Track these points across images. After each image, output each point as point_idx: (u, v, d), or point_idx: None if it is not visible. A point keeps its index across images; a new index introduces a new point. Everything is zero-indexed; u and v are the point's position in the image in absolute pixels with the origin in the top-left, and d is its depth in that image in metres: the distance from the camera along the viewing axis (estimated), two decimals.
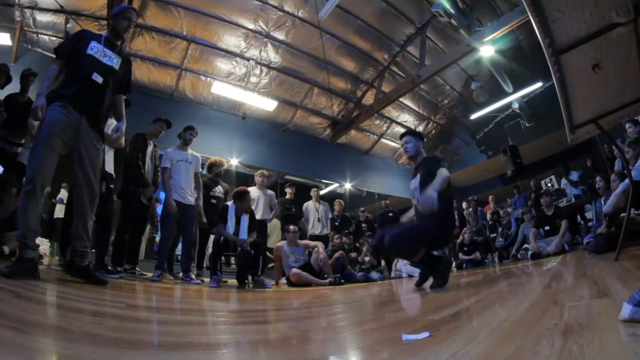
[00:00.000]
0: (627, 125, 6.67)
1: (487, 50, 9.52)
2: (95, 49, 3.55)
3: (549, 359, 0.94)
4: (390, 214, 10.98)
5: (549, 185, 12.07)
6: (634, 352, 0.97)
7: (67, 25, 8.35)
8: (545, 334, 1.20)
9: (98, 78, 3.49)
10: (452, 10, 9.00)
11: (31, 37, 8.46)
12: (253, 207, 7.25)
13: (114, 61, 3.69)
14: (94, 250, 5.37)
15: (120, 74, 3.78)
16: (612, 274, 2.87)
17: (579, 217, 10.08)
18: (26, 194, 3.03)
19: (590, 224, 9.23)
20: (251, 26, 9.86)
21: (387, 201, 12.82)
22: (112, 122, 4.81)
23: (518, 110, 14.03)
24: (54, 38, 8.55)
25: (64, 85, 3.46)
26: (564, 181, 11.15)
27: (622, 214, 4.01)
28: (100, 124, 3.62)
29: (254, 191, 7.74)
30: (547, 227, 8.16)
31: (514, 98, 13.53)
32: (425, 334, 1.46)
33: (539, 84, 12.66)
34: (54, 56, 3.52)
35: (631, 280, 2.27)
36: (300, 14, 9.87)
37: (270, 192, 8.30)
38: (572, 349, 0.99)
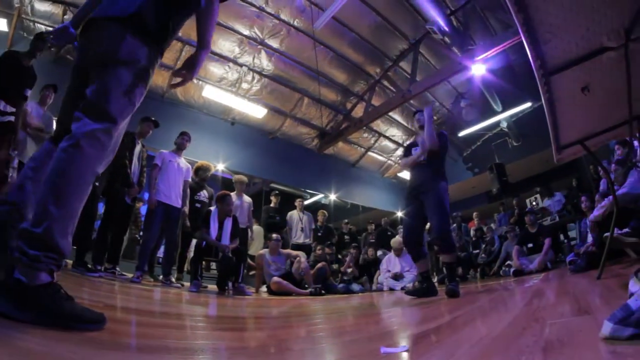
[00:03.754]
0: (615, 147, 6.75)
1: (479, 68, 9.60)
2: None
3: None
4: (389, 233, 11.19)
5: (534, 203, 12.16)
6: None
7: (65, 17, 8.28)
8: (525, 351, 1.20)
9: None
10: (446, 28, 9.08)
11: (28, 25, 8.32)
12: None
13: None
14: (74, 247, 5.31)
15: None
16: (594, 292, 2.89)
17: (562, 236, 10.17)
18: None
19: (573, 242, 9.33)
20: (246, 32, 9.86)
21: (387, 219, 12.85)
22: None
23: (506, 129, 14.12)
24: (50, 28, 8.43)
25: None
26: (547, 201, 11.23)
27: (606, 234, 4.05)
28: None
29: (233, 198, 7.69)
30: (530, 245, 8.23)
31: (502, 117, 13.64)
32: (403, 348, 1.46)
33: (528, 104, 12.77)
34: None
35: (613, 299, 2.29)
36: (295, 24, 9.90)
37: (247, 199, 8.22)
38: None
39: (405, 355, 1.38)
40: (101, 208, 6.36)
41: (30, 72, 4.91)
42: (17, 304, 1.39)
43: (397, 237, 9.75)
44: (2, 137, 4.59)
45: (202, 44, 2.11)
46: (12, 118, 4.68)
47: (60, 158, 1.62)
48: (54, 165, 1.61)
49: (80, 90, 1.83)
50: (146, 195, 6.73)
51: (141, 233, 8.56)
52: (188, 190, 6.76)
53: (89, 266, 5.25)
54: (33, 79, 4.97)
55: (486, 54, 8.93)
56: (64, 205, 1.56)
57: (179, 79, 2.16)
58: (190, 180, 6.85)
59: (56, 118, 2.92)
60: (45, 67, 5.22)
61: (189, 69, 2.16)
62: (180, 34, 9.24)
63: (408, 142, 5.57)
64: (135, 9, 1.83)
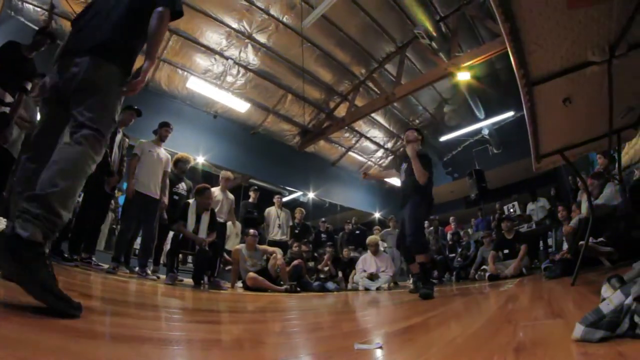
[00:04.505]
0: (597, 157, 6.88)
1: (464, 75, 9.67)
2: None
3: None
4: (357, 232, 11.27)
5: (511, 210, 12.30)
6: None
7: None
8: (498, 351, 1.22)
9: None
10: (434, 34, 9.14)
11: (16, 4, 8.12)
12: (216, 210, 7.18)
13: None
14: None
15: None
16: (567, 297, 2.94)
17: (541, 243, 10.29)
18: None
19: (550, 250, 9.45)
20: (235, 25, 9.80)
21: (355, 218, 12.90)
22: None
23: (487, 137, 14.27)
24: (38, 9, 8.27)
25: None
26: (530, 206, 11.35)
27: (581, 242, 4.13)
28: None
29: (217, 193, 7.66)
30: (506, 251, 8.30)
31: (484, 124, 13.80)
32: (377, 344, 1.48)
33: (510, 113, 12.96)
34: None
35: (585, 304, 2.33)
36: (285, 20, 9.87)
37: (231, 196, 8.20)
38: None
39: (378, 352, 1.39)
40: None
41: (31, 64, 4.85)
42: (10, 255, 1.54)
43: (372, 235, 9.81)
44: None
45: (149, 57, 2.46)
46: (7, 109, 4.62)
47: (65, 148, 2.00)
48: (62, 153, 1.96)
49: (62, 114, 2.22)
50: (125, 185, 6.66)
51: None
52: (167, 181, 6.69)
53: (65, 255, 5.19)
54: (33, 71, 4.90)
55: (472, 61, 9.02)
56: (67, 182, 1.84)
57: (128, 88, 2.43)
58: (169, 171, 6.77)
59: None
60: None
61: (136, 77, 2.44)
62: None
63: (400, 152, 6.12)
64: (109, 41, 2.27)
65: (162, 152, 6.50)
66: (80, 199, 6.17)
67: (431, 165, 5.39)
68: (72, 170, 1.90)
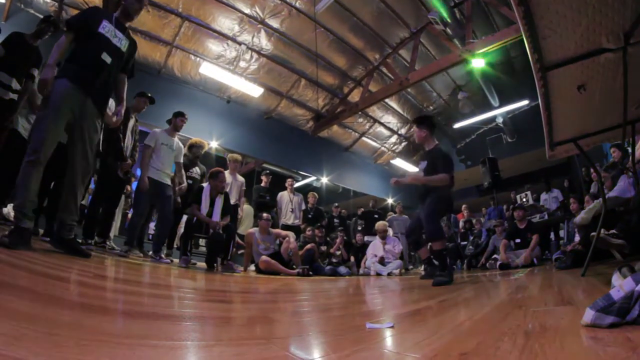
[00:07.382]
0: (611, 150, 6.81)
1: (478, 62, 9.58)
2: (106, 28, 3.63)
3: (510, 354, 0.96)
4: (376, 215, 11.28)
5: (524, 200, 12.22)
6: (594, 352, 0.99)
7: None
8: (508, 333, 1.23)
9: (107, 58, 3.61)
10: (448, 20, 9.07)
11: None
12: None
13: (123, 43, 3.82)
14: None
15: (126, 55, 3.93)
16: (577, 286, 2.93)
17: (552, 234, 10.25)
18: (30, 163, 3.12)
19: (561, 242, 9.41)
20: (247, 11, 9.75)
21: (374, 201, 12.91)
22: (111, 103, 4.68)
23: (502, 125, 14.19)
24: (48, 0, 8.35)
25: (73, 59, 3.48)
26: (544, 196, 11.28)
27: (593, 233, 4.09)
28: (104, 104, 3.81)
29: (226, 176, 7.67)
30: (518, 240, 8.29)
31: (499, 112, 13.69)
32: (389, 324, 1.49)
33: (525, 102, 12.82)
34: (65, 28, 3.53)
35: (595, 293, 2.32)
36: (297, 5, 9.81)
37: (240, 178, 8.22)
38: (533, 347, 1.02)
39: (389, 331, 1.40)
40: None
41: (36, 52, 4.97)
42: (60, 244, 3.42)
43: (380, 221, 9.83)
44: (3, 114, 4.69)
45: (119, 101, 4.06)
46: (15, 96, 4.79)
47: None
48: None
49: None
50: (138, 172, 6.68)
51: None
52: (183, 171, 6.75)
53: (79, 240, 5.25)
54: (39, 58, 5.02)
55: (487, 48, 8.92)
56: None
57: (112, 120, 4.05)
58: (181, 160, 6.77)
59: None
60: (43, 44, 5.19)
61: (116, 116, 4.00)
62: (180, 9, 9.13)
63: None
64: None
65: (175, 142, 6.45)
66: (93, 185, 6.22)
67: (451, 165, 5.15)
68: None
